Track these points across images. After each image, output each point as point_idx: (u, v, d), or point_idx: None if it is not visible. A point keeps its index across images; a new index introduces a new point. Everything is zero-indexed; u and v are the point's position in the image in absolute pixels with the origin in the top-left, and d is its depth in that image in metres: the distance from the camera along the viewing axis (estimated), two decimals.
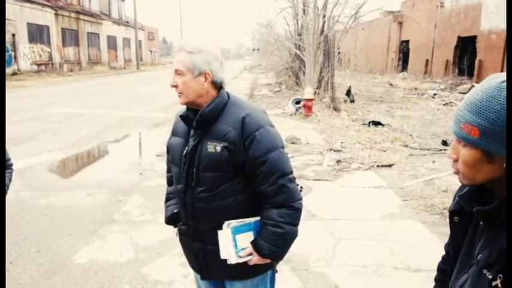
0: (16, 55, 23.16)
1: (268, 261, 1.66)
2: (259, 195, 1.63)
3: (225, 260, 1.63)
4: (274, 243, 1.60)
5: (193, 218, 1.68)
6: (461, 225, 1.06)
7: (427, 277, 3.14)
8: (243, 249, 1.62)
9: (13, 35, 22.78)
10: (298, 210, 1.64)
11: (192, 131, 1.66)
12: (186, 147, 1.65)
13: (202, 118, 1.60)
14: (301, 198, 1.66)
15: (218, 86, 1.65)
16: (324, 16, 13.78)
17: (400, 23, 31.12)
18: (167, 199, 1.91)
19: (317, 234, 3.92)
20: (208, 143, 1.58)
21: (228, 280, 1.78)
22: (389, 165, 6.31)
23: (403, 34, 31.14)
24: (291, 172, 1.65)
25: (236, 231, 1.60)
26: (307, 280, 3.15)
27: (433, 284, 1.29)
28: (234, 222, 1.59)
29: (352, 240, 3.83)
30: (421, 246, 3.72)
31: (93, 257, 3.51)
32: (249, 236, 1.63)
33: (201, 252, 1.72)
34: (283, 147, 1.66)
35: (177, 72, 1.58)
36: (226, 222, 1.59)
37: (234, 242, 1.60)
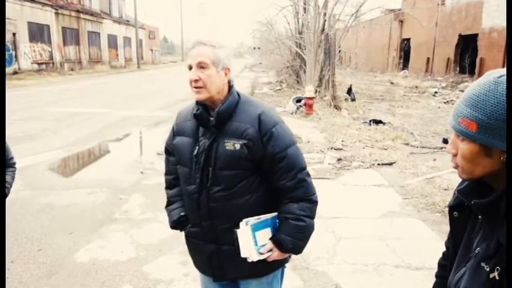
0: (17, 54, 23.17)
1: (286, 256, 1.69)
2: (277, 190, 1.64)
3: (242, 259, 1.62)
4: (297, 236, 1.62)
5: (208, 218, 1.65)
6: (461, 220, 1.07)
7: (428, 275, 3.14)
8: (263, 245, 1.62)
9: (14, 34, 22.79)
10: (316, 204, 1.67)
11: (201, 130, 1.64)
12: (197, 147, 1.62)
13: (219, 116, 1.58)
14: (316, 192, 1.69)
15: (230, 84, 1.65)
16: (325, 14, 13.76)
17: (401, 21, 31.07)
18: (170, 203, 1.84)
19: (318, 233, 3.89)
20: (226, 141, 1.57)
21: (243, 279, 1.76)
22: (390, 164, 6.30)
23: (404, 32, 31.09)
24: (306, 166, 1.67)
25: (255, 228, 1.60)
26: (307, 279, 3.15)
27: (434, 281, 1.30)
28: (252, 220, 1.59)
29: (353, 239, 3.83)
30: (422, 245, 3.71)
31: (94, 255, 3.51)
32: (267, 232, 1.63)
33: (215, 253, 1.69)
34: (297, 143, 1.68)
35: (200, 65, 1.54)
36: (244, 220, 1.58)
37: (254, 239, 1.59)
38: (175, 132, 1.76)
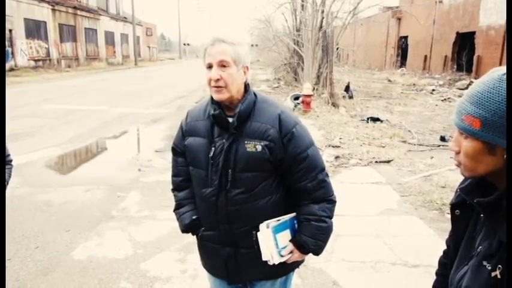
0: (13, 51, 23.05)
1: (305, 257, 1.68)
2: (297, 191, 1.62)
3: (259, 262, 1.60)
4: (319, 237, 1.61)
5: (226, 221, 1.61)
6: (463, 219, 1.06)
7: (425, 273, 3.15)
8: (284, 247, 1.61)
9: (10, 31, 22.66)
10: (335, 204, 1.66)
11: (217, 130, 1.58)
12: (213, 148, 1.57)
13: (240, 116, 1.53)
14: (334, 192, 1.68)
15: (246, 83, 1.60)
16: (323, 12, 13.74)
17: (399, 19, 31.06)
18: (180, 205, 1.77)
19: None
20: (246, 142, 1.52)
21: (257, 281, 1.74)
22: (388, 161, 6.31)
23: (402, 30, 31.09)
24: (325, 167, 1.66)
25: (276, 230, 1.58)
26: (305, 276, 3.15)
27: (432, 279, 1.30)
28: (273, 222, 1.57)
29: (351, 236, 3.83)
30: (419, 242, 3.72)
31: (91, 253, 3.50)
32: (287, 234, 1.62)
33: (232, 257, 1.66)
34: (314, 143, 1.66)
35: (222, 64, 1.47)
36: (264, 223, 1.56)
37: (275, 242, 1.57)
38: (186, 133, 1.69)
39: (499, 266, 0.86)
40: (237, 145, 1.54)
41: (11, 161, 2.20)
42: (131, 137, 8.80)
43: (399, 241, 3.73)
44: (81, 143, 7.66)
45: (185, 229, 1.74)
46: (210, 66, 1.49)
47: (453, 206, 1.09)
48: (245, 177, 1.55)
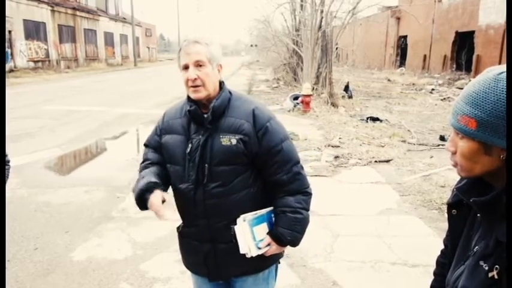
0: (13, 52, 23.05)
1: (283, 249, 1.70)
2: (272, 184, 1.65)
3: (238, 257, 1.62)
4: (295, 229, 1.63)
5: (204, 216, 1.63)
6: (459, 218, 1.06)
7: (425, 272, 3.15)
8: (261, 240, 1.63)
9: (9, 32, 22.66)
10: (311, 196, 1.70)
11: (193, 127, 1.63)
12: (190, 144, 1.61)
13: (214, 111, 1.58)
14: (310, 184, 1.71)
15: (220, 80, 1.66)
16: (322, 11, 13.73)
17: (398, 19, 31.07)
18: (137, 180, 1.64)
19: (315, 230, 3.92)
20: (221, 136, 1.57)
21: (239, 277, 1.75)
22: (387, 161, 6.31)
23: (401, 29, 31.10)
24: (300, 160, 1.70)
25: (253, 223, 1.61)
26: (305, 276, 3.15)
27: (431, 279, 1.30)
28: (249, 215, 1.61)
29: (350, 236, 3.83)
30: (419, 242, 3.72)
31: (90, 254, 3.50)
32: (264, 227, 1.66)
33: (211, 253, 1.68)
34: (289, 137, 1.72)
35: (198, 64, 1.54)
36: (241, 216, 1.59)
37: (252, 235, 1.61)
38: (162, 131, 1.73)
39: (496, 266, 0.86)
40: (213, 140, 1.58)
41: (8, 161, 2.20)
42: (131, 137, 8.80)
43: (399, 241, 3.73)
44: (81, 144, 7.66)
45: (139, 195, 1.55)
46: (186, 67, 1.56)
47: (450, 206, 1.08)
48: (221, 170, 1.58)
